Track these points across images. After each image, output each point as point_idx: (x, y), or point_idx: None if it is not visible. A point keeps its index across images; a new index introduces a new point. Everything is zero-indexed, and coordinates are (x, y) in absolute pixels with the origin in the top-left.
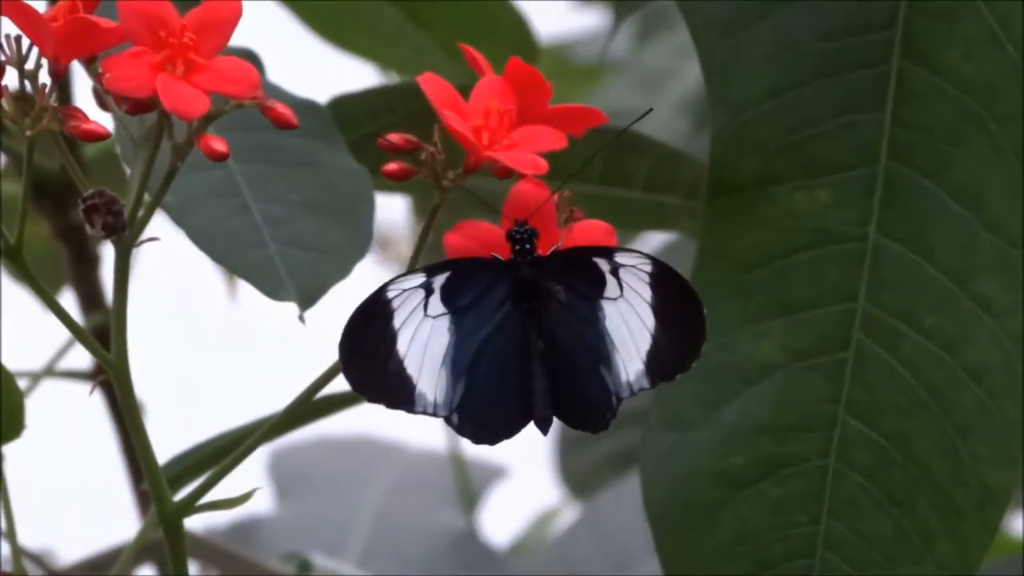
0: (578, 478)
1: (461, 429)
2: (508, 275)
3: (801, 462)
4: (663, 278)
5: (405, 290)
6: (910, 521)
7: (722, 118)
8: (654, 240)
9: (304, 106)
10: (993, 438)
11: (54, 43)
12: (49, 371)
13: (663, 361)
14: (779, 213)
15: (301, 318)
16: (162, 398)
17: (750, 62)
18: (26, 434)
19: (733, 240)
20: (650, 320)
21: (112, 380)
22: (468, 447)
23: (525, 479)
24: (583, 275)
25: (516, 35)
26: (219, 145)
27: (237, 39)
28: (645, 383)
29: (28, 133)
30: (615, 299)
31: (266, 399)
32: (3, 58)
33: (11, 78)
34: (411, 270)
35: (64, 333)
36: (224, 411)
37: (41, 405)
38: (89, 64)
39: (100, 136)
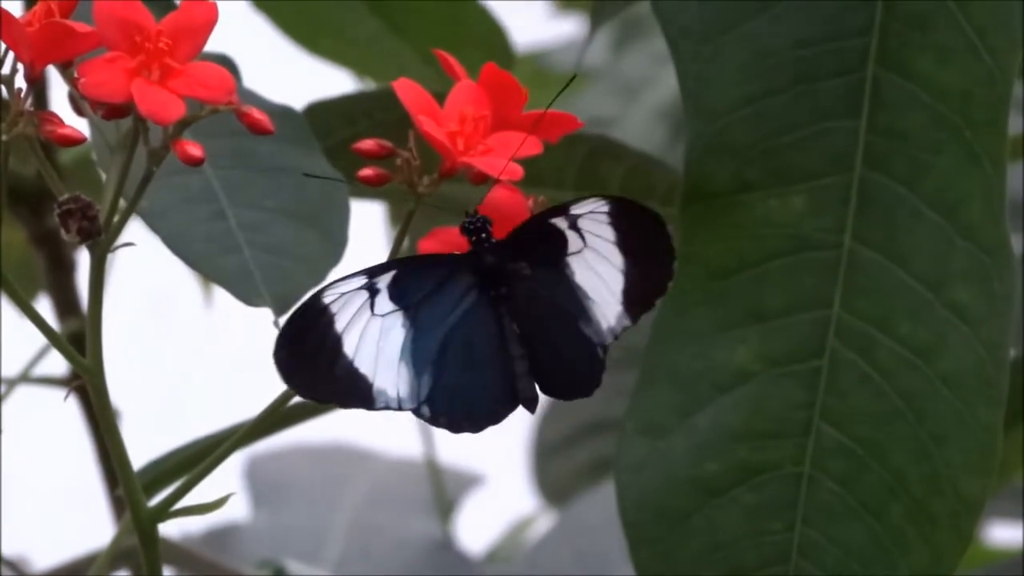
0: (554, 486)
1: (435, 420)
2: (469, 266)
3: (776, 469)
4: (621, 210)
5: (344, 293)
6: (884, 528)
7: (697, 125)
8: None
9: (280, 112)
10: (967, 446)
11: (30, 48)
12: (25, 377)
13: (639, 293)
14: (754, 220)
15: (276, 323)
16: (138, 404)
17: (726, 69)
18: (1, 440)
19: (708, 247)
20: (618, 259)
21: (87, 386)
22: (444, 454)
23: (501, 487)
24: (543, 242)
25: (493, 43)
26: (195, 150)
27: (213, 44)
28: (626, 321)
29: (3, 138)
30: (579, 252)
31: (242, 405)
32: None
33: None
34: (349, 274)
35: (40, 339)
36: (200, 417)
37: (17, 411)
38: (65, 69)
39: (76, 141)
